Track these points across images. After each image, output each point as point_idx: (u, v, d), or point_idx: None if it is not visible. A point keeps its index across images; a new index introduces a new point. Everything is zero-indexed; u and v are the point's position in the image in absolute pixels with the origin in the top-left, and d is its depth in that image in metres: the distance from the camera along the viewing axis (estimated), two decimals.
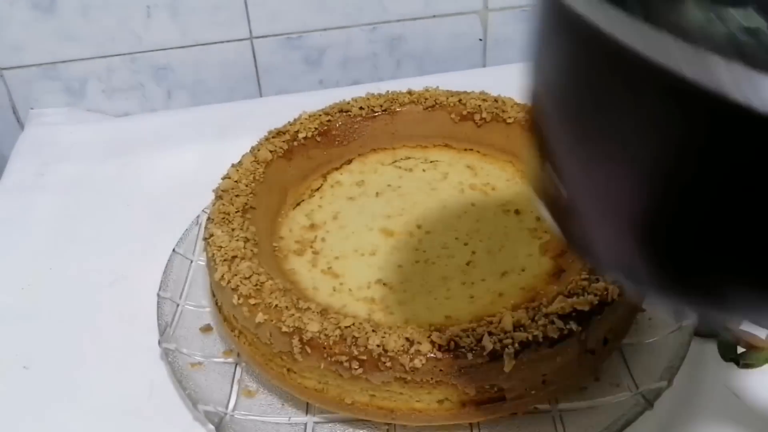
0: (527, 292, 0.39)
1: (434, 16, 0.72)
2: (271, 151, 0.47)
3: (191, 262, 0.47)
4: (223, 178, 0.45)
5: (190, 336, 0.42)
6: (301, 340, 0.34)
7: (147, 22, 0.67)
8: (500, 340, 0.33)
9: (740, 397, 0.38)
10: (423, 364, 0.32)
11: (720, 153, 0.14)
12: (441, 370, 0.33)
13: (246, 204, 0.43)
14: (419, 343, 0.33)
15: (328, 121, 0.50)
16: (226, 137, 0.61)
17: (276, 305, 0.35)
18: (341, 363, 0.33)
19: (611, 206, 0.18)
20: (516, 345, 0.33)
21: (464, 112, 0.51)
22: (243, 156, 0.47)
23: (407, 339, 0.33)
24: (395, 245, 0.43)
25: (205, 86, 0.72)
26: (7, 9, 0.63)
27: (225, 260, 0.38)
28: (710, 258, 0.16)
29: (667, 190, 0.16)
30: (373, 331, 0.34)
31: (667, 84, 0.14)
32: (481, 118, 0.50)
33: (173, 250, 0.47)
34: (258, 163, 0.46)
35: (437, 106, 0.51)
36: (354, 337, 0.33)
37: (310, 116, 0.50)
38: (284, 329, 0.34)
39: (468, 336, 0.33)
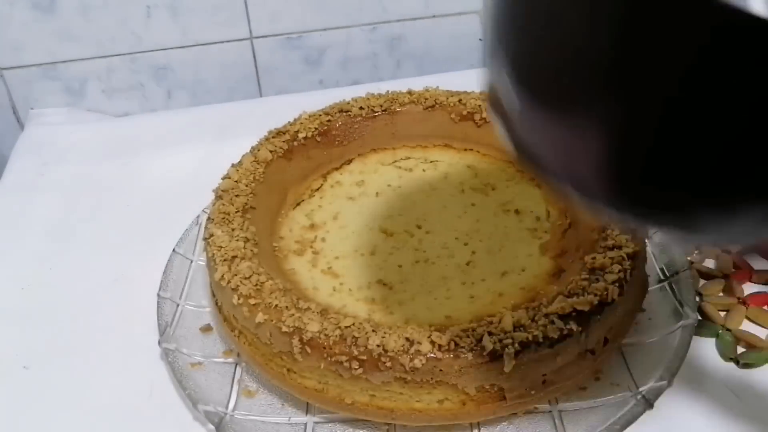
0: (527, 292, 0.39)
1: (434, 16, 0.72)
2: (271, 151, 0.47)
3: (191, 262, 0.47)
4: (223, 178, 0.45)
5: (190, 336, 0.42)
6: (301, 340, 0.34)
7: (147, 22, 0.67)
8: (500, 340, 0.33)
9: (740, 397, 0.38)
10: (423, 364, 0.32)
11: (680, 48, 0.14)
12: (441, 370, 0.33)
13: (246, 204, 0.43)
14: (419, 343, 0.33)
15: (328, 121, 0.50)
16: (226, 137, 0.61)
17: (276, 305, 0.35)
18: (341, 363, 0.33)
19: (565, 110, 0.18)
20: (516, 345, 0.33)
21: (464, 112, 0.51)
22: (243, 156, 0.47)
23: (407, 339, 0.33)
24: (395, 245, 0.43)
25: (205, 86, 0.72)
26: (7, 9, 0.63)
27: (225, 260, 0.38)
28: (664, 168, 0.16)
29: (621, 89, 0.16)
30: (373, 331, 0.34)
31: None
32: (481, 118, 0.50)
33: (173, 250, 0.47)
34: (258, 163, 0.46)
35: (437, 106, 0.52)
36: (354, 337, 0.33)
37: (310, 116, 0.50)
38: (284, 329, 0.34)
39: (468, 336, 0.33)
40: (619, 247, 0.37)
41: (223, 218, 0.41)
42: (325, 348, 0.33)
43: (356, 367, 0.33)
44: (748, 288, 0.45)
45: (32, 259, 0.51)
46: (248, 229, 0.41)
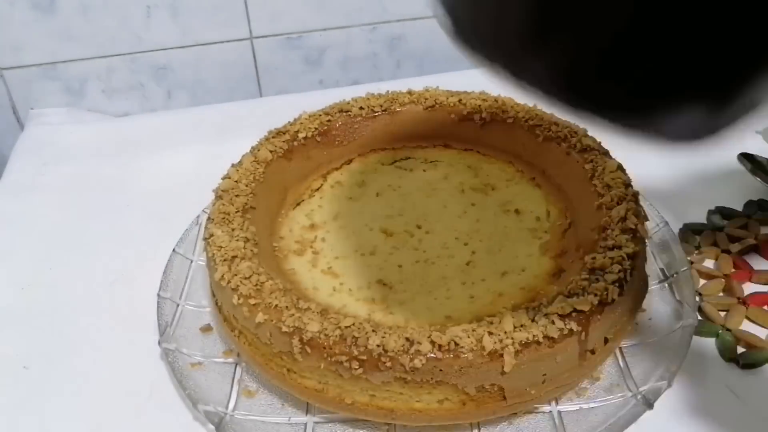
0: (527, 292, 0.39)
1: (434, 16, 0.72)
2: (271, 151, 0.47)
3: (191, 262, 0.47)
4: (223, 178, 0.45)
5: (190, 336, 0.42)
6: (301, 340, 0.34)
7: (147, 22, 0.67)
8: (500, 340, 0.33)
9: (740, 397, 0.38)
10: (423, 364, 0.32)
11: None
12: (441, 370, 0.33)
13: (246, 204, 0.43)
14: (419, 343, 0.33)
15: (328, 121, 0.50)
16: (226, 137, 0.61)
17: (276, 305, 0.35)
18: (341, 363, 0.33)
19: None
20: (516, 345, 0.33)
21: (464, 112, 0.51)
22: (243, 156, 0.47)
23: (407, 339, 0.33)
24: (395, 245, 0.43)
25: (205, 86, 0.72)
26: (7, 9, 0.63)
27: (225, 260, 0.38)
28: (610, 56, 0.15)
29: None
30: (373, 331, 0.34)
31: None
32: (481, 118, 0.50)
33: (173, 250, 0.47)
34: (258, 163, 0.46)
35: (437, 106, 0.52)
36: (354, 337, 0.33)
37: (310, 116, 0.50)
38: (284, 329, 0.34)
39: (468, 336, 0.33)
40: (619, 247, 0.37)
41: (223, 218, 0.41)
42: (325, 348, 0.33)
43: (356, 367, 0.33)
44: (748, 288, 0.45)
45: (32, 259, 0.51)
46: (248, 229, 0.41)
